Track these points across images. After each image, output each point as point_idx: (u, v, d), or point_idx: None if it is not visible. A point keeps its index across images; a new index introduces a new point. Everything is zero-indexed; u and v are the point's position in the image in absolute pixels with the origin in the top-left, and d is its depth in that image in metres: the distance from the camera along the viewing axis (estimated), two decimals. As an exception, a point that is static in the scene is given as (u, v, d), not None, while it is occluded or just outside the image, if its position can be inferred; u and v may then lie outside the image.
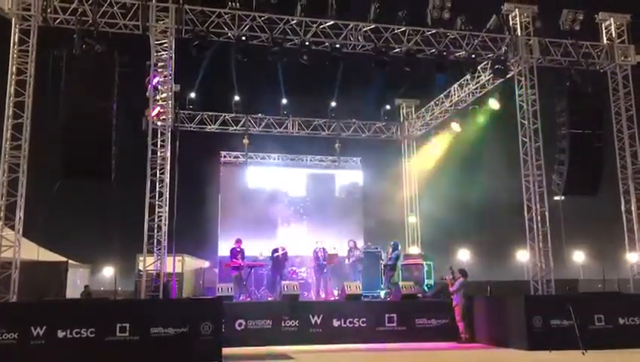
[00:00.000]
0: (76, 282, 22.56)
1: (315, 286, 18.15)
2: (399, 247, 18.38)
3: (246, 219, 22.15)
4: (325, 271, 17.82)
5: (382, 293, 18.03)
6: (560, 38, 16.89)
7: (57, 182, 13.55)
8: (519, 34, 16.71)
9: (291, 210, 23.09)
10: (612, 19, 17.44)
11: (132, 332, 11.31)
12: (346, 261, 18.77)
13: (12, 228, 13.44)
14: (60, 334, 11.04)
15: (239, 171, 23.51)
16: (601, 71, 17.50)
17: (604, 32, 17.56)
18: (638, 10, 17.79)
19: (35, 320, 11.06)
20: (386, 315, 14.69)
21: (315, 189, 23.78)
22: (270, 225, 22.41)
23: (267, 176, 23.63)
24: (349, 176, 24.36)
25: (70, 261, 20.10)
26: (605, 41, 17.46)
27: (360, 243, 20.04)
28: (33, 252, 17.62)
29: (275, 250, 17.89)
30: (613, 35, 17.38)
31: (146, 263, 14.31)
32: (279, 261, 17.76)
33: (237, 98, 21.04)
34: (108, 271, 30.98)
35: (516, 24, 16.81)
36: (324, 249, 18.03)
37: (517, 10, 16.78)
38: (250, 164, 23.50)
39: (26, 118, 13.61)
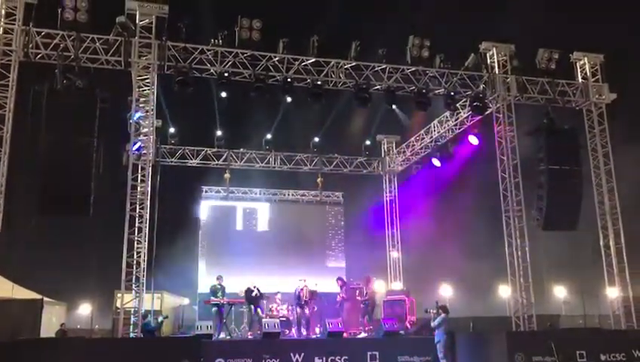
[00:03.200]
0: (51, 320, 21.99)
1: (296, 323, 17.85)
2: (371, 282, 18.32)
3: (227, 256, 21.84)
4: (307, 308, 17.57)
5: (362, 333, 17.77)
6: (537, 77, 17.28)
7: (34, 217, 13.31)
8: (497, 72, 17.08)
9: (271, 246, 22.98)
10: (586, 59, 17.95)
11: (107, 372, 11.03)
12: (338, 298, 18.60)
13: (-14, 264, 13.14)
14: (33, 375, 10.73)
15: (220, 206, 23.44)
16: (577, 108, 17.89)
17: (579, 70, 18.03)
18: (610, 50, 18.34)
19: (7, 361, 10.71)
20: (368, 353, 14.40)
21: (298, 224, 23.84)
22: (252, 261, 22.18)
23: (245, 210, 23.67)
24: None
25: (45, 298, 19.58)
26: (580, 80, 17.91)
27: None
28: (7, 289, 17.22)
29: (251, 290, 17.53)
30: (588, 73, 17.85)
31: (124, 300, 14.03)
32: (257, 299, 17.47)
33: (219, 133, 21.10)
34: (85, 309, 30.17)
35: (494, 62, 17.21)
36: (306, 286, 17.81)
37: (494, 48, 17.21)
38: (231, 198, 23.46)
39: (4, 153, 13.42)
